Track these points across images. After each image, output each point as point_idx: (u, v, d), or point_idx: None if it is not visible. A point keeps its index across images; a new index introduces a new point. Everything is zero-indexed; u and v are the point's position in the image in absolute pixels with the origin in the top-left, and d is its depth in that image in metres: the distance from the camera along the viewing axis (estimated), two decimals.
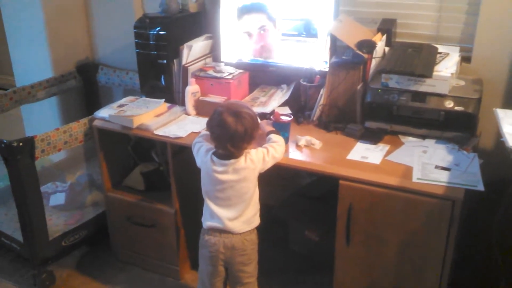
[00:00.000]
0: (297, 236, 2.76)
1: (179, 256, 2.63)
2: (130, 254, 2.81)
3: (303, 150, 2.18)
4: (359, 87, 2.29)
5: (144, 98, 2.65)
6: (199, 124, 2.43)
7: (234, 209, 1.94)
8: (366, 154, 2.10)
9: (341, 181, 1.99)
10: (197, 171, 2.07)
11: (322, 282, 2.36)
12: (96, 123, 2.54)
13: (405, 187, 1.87)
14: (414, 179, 1.89)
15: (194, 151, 2.05)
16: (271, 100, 2.56)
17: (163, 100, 2.56)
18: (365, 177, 1.94)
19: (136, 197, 2.64)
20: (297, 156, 2.14)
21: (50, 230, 2.59)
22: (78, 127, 2.52)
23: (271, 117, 2.22)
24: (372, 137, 2.23)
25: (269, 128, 2.12)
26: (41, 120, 3.44)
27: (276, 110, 2.33)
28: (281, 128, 2.18)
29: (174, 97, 2.64)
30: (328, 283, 2.21)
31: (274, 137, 2.05)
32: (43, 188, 2.93)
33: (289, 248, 2.83)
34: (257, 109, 2.49)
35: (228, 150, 1.89)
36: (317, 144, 2.20)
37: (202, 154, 1.97)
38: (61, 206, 3.05)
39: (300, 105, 2.52)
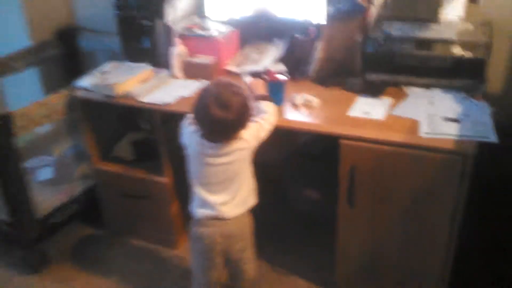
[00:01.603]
0: (296, 195, 2.68)
1: (174, 225, 2.54)
2: (124, 226, 2.72)
3: (300, 109, 2.04)
4: (358, 37, 2.13)
5: (128, 63, 2.49)
6: (188, 88, 2.29)
7: (226, 192, 1.79)
8: (368, 110, 1.97)
9: (342, 141, 1.87)
10: None
11: (325, 241, 2.27)
12: (78, 93, 2.39)
13: (412, 143, 1.76)
14: (422, 134, 1.77)
15: (182, 128, 1.84)
16: (263, 57, 2.40)
17: (148, 64, 2.40)
18: (368, 135, 1.82)
19: (125, 168, 2.53)
20: (294, 116, 2.01)
21: (39, 207, 2.49)
22: (58, 99, 2.38)
23: (265, 76, 2.06)
24: (374, 90, 2.09)
25: (260, 91, 1.96)
26: (24, 93, 3.28)
27: (269, 68, 2.17)
28: (276, 88, 2.04)
29: (159, 61, 2.48)
30: (331, 242, 2.11)
31: (263, 105, 1.87)
32: (29, 163, 2.81)
33: (289, 208, 2.75)
34: (248, 68, 2.34)
35: (219, 140, 1.73)
36: (315, 101, 2.06)
37: (189, 133, 1.79)
38: (50, 181, 2.94)
39: (295, 61, 2.37)
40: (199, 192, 1.84)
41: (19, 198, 2.30)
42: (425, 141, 1.74)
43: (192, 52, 2.41)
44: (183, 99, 2.21)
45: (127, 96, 2.27)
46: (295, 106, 2.07)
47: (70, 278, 2.50)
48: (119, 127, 2.60)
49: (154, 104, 2.20)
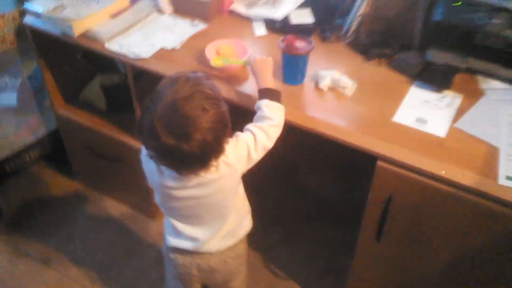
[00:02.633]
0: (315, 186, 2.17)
1: (151, 196, 2.03)
2: (96, 184, 2.27)
3: (326, 98, 1.43)
4: None
5: None
6: (175, 34, 1.67)
7: (207, 227, 1.30)
8: (424, 113, 1.36)
9: (380, 162, 1.28)
10: None
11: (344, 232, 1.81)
12: (28, 20, 1.76)
13: (482, 192, 1.16)
14: (500, 179, 1.17)
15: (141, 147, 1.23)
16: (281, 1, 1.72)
17: None
18: (419, 163, 1.24)
19: (94, 119, 1.99)
20: (314, 109, 1.40)
21: None
22: (3, 23, 1.75)
23: (282, 42, 1.42)
24: (436, 77, 1.45)
25: (265, 77, 1.34)
26: None
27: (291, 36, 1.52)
28: (295, 63, 1.41)
29: None
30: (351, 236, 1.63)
31: (268, 108, 1.27)
32: None
33: (305, 199, 2.23)
34: (262, 11, 1.67)
35: (182, 173, 1.16)
36: (349, 87, 1.43)
37: (145, 156, 1.21)
38: (13, 108, 2.40)
39: (328, 11, 1.69)
40: (171, 220, 1.31)
41: None
42: (504, 191, 1.16)
43: None
44: (166, 53, 1.59)
45: (89, 36, 1.64)
46: (319, 90, 1.45)
47: (22, 240, 2.08)
48: (87, 65, 1.99)
49: (123, 56, 1.58)
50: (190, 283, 1.43)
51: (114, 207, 2.20)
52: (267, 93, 1.29)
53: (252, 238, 1.46)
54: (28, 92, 2.39)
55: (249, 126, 1.25)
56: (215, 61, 1.44)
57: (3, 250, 2.03)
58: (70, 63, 1.99)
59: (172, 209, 1.28)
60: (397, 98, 1.42)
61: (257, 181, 1.47)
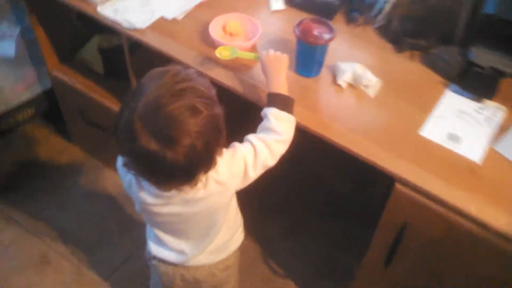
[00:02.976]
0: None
1: None
2: (92, 149, 2.12)
3: (343, 96, 1.21)
4: None
5: None
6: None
7: (195, 242, 1.15)
8: (458, 129, 1.15)
9: (398, 185, 1.08)
10: None
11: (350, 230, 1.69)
12: None
13: None
14: None
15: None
16: None
17: None
18: (445, 193, 1.04)
19: (89, 85, 1.81)
20: (328, 110, 1.20)
21: None
22: None
23: (297, 27, 1.19)
24: (478, 82, 1.22)
25: (278, 79, 1.12)
26: None
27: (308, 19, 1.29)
28: (312, 52, 1.19)
29: None
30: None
31: (276, 119, 1.06)
32: None
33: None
34: None
35: (163, 188, 0.97)
36: (373, 86, 1.22)
37: (121, 167, 1.01)
38: (10, 61, 2.23)
39: None
40: (154, 230, 1.16)
41: None
42: None
43: None
44: (165, 24, 1.39)
45: None
46: (337, 86, 1.23)
47: (11, 205, 1.96)
48: (82, 27, 1.79)
49: (117, 24, 1.38)
50: None
51: (110, 179, 2.05)
52: (277, 100, 1.08)
53: (252, 228, 1.29)
54: (27, 43, 2.21)
55: (251, 137, 1.06)
56: (221, 52, 1.22)
57: None
58: (65, 22, 1.78)
59: (154, 222, 1.12)
60: (427, 104, 1.20)
61: None
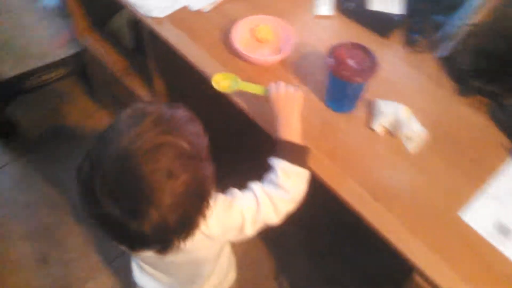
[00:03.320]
0: None
1: None
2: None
3: (375, 146, 0.99)
4: None
5: None
6: None
7: (183, 286, 1.03)
8: (510, 217, 0.88)
9: (417, 277, 0.86)
10: None
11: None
12: None
13: None
14: None
15: None
16: None
17: None
18: None
19: (116, 59, 1.66)
20: (352, 160, 0.97)
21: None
22: None
23: (331, 54, 0.95)
24: None
25: (289, 123, 0.91)
26: None
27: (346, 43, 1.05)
28: (343, 88, 0.96)
29: None
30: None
31: (285, 175, 0.87)
32: None
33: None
34: None
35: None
36: (416, 138, 0.98)
37: None
38: (54, 8, 2.13)
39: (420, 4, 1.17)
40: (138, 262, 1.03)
41: None
42: None
43: None
44: (187, 15, 1.19)
45: None
46: (372, 132, 1.00)
47: (32, 162, 1.90)
48: None
49: (133, 8, 1.20)
50: None
51: None
52: (288, 151, 0.89)
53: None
54: None
55: (255, 187, 0.88)
56: (218, 81, 0.99)
57: (16, 173, 1.87)
58: None
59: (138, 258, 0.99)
60: (480, 176, 0.95)
61: None
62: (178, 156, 0.70)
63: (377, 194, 0.91)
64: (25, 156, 1.92)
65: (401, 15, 1.15)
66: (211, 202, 0.78)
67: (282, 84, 0.94)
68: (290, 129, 0.90)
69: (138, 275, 1.07)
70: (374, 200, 0.91)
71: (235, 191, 0.88)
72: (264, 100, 0.97)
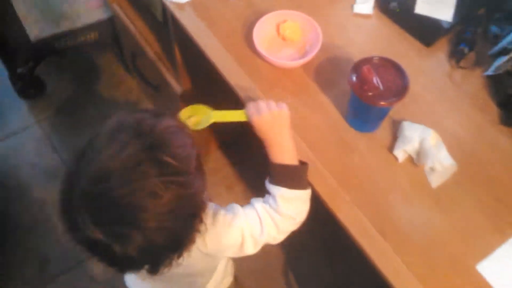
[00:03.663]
0: None
1: None
2: (146, 91, 1.94)
3: (394, 174, 0.89)
4: None
5: None
6: None
7: None
8: None
9: None
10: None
11: None
12: None
13: None
14: None
15: None
16: None
17: None
18: None
19: (145, 31, 1.59)
20: (363, 187, 0.88)
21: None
22: None
23: (354, 72, 0.85)
24: None
25: (281, 145, 0.83)
26: None
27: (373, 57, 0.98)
28: (366, 110, 0.87)
29: None
30: None
31: (284, 201, 0.81)
32: None
33: None
34: None
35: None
36: (443, 170, 0.88)
37: None
38: None
39: (484, 4, 1.04)
40: None
41: None
42: None
43: None
44: (211, 3, 1.12)
45: None
46: (390, 154, 0.90)
47: (56, 130, 1.90)
48: None
49: None
50: None
51: None
52: (284, 175, 0.81)
53: None
54: None
55: (257, 205, 0.83)
56: (185, 117, 0.87)
57: (40, 135, 1.87)
58: None
59: None
60: (507, 224, 0.84)
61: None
62: (161, 173, 0.64)
63: (387, 232, 0.83)
64: (51, 119, 1.91)
65: (450, 22, 1.02)
66: (206, 216, 0.74)
67: (262, 104, 0.84)
68: (282, 150, 0.83)
69: (131, 278, 1.04)
70: (382, 238, 0.82)
71: (237, 208, 0.83)
72: None
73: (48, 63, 1.96)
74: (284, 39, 1.04)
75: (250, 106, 0.85)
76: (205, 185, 0.73)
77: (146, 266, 0.72)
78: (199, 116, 0.87)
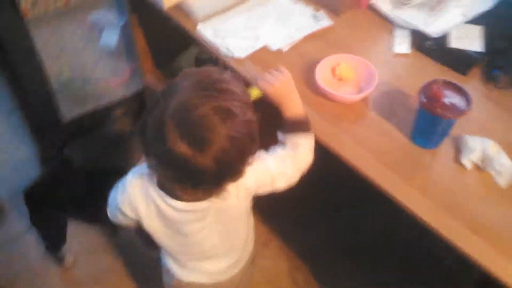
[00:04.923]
0: None
1: None
2: None
3: (465, 181, 1.03)
4: None
5: None
6: (289, 25, 1.34)
7: (224, 258, 1.13)
8: None
9: None
10: None
11: None
12: None
13: None
14: None
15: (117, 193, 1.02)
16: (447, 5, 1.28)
17: None
18: None
19: None
20: (442, 195, 1.01)
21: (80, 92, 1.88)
22: None
23: (423, 93, 1.01)
24: None
25: (294, 101, 1.04)
26: None
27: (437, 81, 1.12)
28: (435, 124, 1.02)
29: None
30: None
31: (300, 146, 1.02)
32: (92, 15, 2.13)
33: None
34: (412, 17, 1.26)
35: (188, 194, 0.93)
36: (507, 172, 1.03)
37: (134, 195, 0.99)
38: (110, 49, 2.25)
39: (508, 35, 1.23)
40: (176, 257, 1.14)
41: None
42: None
43: None
44: (266, 55, 1.27)
45: (183, 9, 1.37)
46: (458, 164, 1.04)
47: None
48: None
49: (215, 49, 1.28)
50: None
51: None
52: (299, 123, 1.03)
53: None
54: (127, 39, 2.21)
55: (278, 149, 1.03)
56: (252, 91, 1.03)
57: None
58: (165, 27, 1.73)
59: (178, 248, 1.07)
60: None
61: None
62: (233, 99, 0.82)
63: (475, 228, 0.95)
64: None
65: (480, 52, 1.21)
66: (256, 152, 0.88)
67: (269, 76, 1.02)
68: (295, 105, 1.02)
69: (180, 271, 1.14)
70: (473, 234, 0.94)
71: (261, 152, 0.99)
72: None
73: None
74: (340, 79, 1.20)
75: (259, 81, 1.01)
76: (258, 120, 0.87)
77: (212, 185, 0.87)
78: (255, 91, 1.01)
